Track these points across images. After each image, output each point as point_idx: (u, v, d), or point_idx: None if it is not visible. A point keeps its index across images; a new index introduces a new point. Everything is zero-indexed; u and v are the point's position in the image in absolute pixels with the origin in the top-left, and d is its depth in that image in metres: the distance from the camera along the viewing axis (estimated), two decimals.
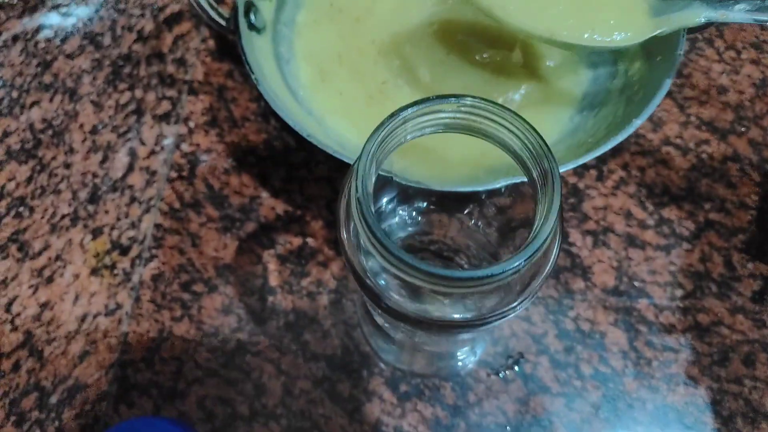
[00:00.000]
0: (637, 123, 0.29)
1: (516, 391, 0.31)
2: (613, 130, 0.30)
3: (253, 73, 0.30)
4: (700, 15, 0.28)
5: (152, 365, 0.32)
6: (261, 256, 0.34)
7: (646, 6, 0.30)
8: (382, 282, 0.22)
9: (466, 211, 0.32)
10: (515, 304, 0.20)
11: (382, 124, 0.20)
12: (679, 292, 0.33)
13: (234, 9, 0.32)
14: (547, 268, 0.21)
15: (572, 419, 0.31)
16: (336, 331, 0.33)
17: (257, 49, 0.32)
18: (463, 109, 0.21)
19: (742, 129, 0.37)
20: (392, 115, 0.20)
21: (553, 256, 0.21)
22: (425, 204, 0.31)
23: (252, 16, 0.33)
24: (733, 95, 0.38)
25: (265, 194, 0.36)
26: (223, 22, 0.32)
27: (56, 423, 0.31)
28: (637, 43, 0.30)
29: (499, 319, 0.20)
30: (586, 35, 0.29)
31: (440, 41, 0.35)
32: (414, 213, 0.32)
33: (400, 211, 0.31)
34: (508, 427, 0.31)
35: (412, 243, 0.34)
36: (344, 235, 0.22)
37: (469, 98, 0.21)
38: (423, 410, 0.31)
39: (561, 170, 0.28)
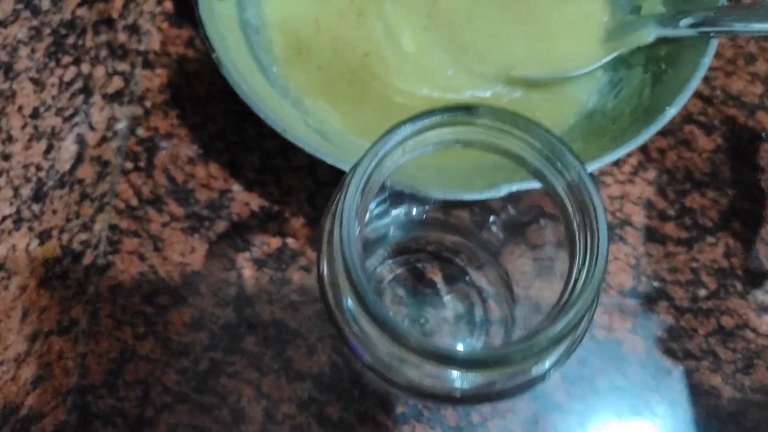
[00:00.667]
0: (671, 112, 0.24)
1: (524, 409, 0.28)
2: (639, 117, 0.26)
3: (213, 50, 0.25)
4: (652, 34, 0.28)
5: (115, 390, 0.29)
6: (235, 260, 0.30)
7: (599, 32, 0.29)
8: (368, 329, 0.18)
9: (466, 210, 0.28)
10: (542, 373, 0.17)
11: (373, 149, 0.16)
12: (702, 292, 0.30)
13: None
14: (582, 328, 0.17)
15: None
16: (323, 346, 0.29)
17: (219, 16, 0.27)
18: (479, 122, 0.16)
19: None
20: (387, 133, 0.16)
21: (588, 316, 0.17)
22: (420, 206, 0.27)
23: None
24: (763, 65, 0.34)
25: (236, 187, 0.31)
26: None
27: None
28: (594, 68, 0.29)
29: (521, 392, 0.16)
30: (539, 69, 0.29)
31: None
32: (408, 214, 0.28)
33: (393, 213, 0.27)
34: None
35: (406, 244, 0.30)
36: (324, 269, 0.18)
37: (484, 109, 0.16)
38: None
39: (590, 169, 0.24)
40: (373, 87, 0.29)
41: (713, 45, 0.26)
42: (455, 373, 0.16)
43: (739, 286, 0.30)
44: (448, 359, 0.14)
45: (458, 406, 0.22)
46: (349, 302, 0.18)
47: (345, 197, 0.15)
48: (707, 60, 0.25)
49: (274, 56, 0.30)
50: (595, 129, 0.28)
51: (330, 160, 0.24)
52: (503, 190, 0.23)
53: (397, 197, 0.25)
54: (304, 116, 0.28)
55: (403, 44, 0.30)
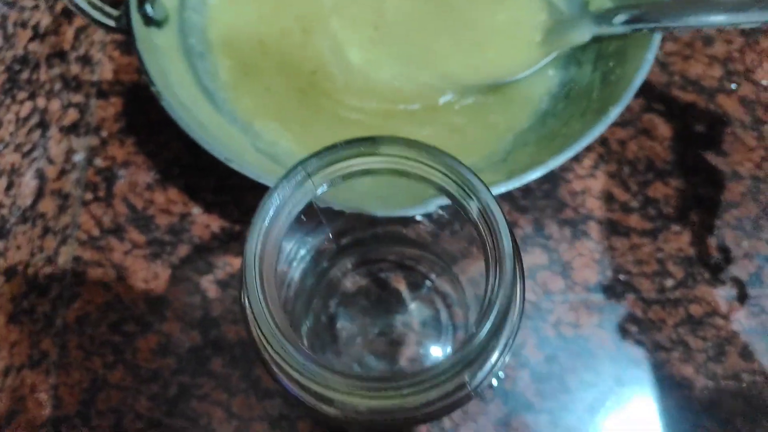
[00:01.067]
0: (615, 112, 0.24)
1: (496, 411, 0.28)
2: (590, 119, 0.26)
3: (153, 83, 0.25)
4: (587, 33, 0.27)
5: (88, 420, 0.29)
6: (198, 283, 0.30)
7: (535, 35, 0.29)
8: None
9: (418, 224, 0.28)
10: (469, 389, 0.16)
11: (272, 194, 0.16)
12: (669, 282, 0.30)
13: (125, 3, 0.27)
14: (507, 331, 0.17)
15: None
16: None
17: (159, 48, 0.27)
18: (383, 152, 0.16)
19: (732, 86, 0.33)
20: (289, 173, 0.16)
21: (516, 315, 0.17)
22: (367, 230, 0.27)
23: (148, 8, 0.27)
24: (721, 46, 0.33)
25: (196, 210, 0.31)
26: (111, 23, 0.26)
27: None
28: (531, 72, 0.29)
29: (451, 410, 0.16)
30: (476, 76, 0.29)
31: (368, 10, 0.30)
32: (356, 238, 0.28)
33: (343, 240, 0.27)
34: None
35: (369, 256, 0.30)
36: (246, 302, 0.18)
37: (388, 143, 0.16)
38: None
39: (534, 176, 0.24)
40: (323, 104, 0.29)
41: (656, 40, 0.25)
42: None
43: (706, 274, 0.30)
44: (357, 380, 0.14)
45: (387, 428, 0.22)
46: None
47: (245, 259, 0.15)
48: (651, 56, 0.25)
49: (222, 81, 0.30)
50: (548, 133, 0.27)
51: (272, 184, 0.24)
52: (431, 206, 0.23)
53: (338, 228, 0.25)
54: (254, 140, 0.28)
55: (350, 59, 0.30)
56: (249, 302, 0.14)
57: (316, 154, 0.16)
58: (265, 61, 0.30)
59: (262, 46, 0.30)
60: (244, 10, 0.30)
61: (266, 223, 0.15)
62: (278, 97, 0.29)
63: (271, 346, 0.14)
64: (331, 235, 0.24)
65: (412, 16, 0.29)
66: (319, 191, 0.17)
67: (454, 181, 0.16)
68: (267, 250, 0.15)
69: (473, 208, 0.16)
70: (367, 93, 0.29)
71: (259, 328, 0.14)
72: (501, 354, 0.16)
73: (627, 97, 0.24)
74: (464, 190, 0.16)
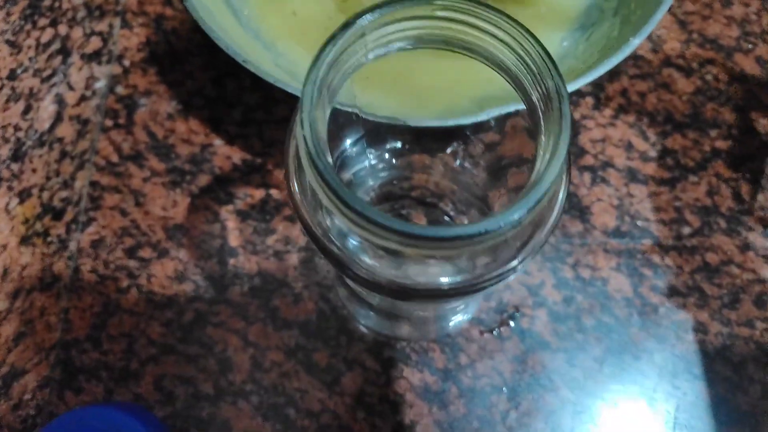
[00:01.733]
0: (635, 43, 0.24)
1: (512, 349, 0.28)
2: (607, 53, 0.26)
3: None
4: None
5: (99, 344, 0.28)
6: (218, 213, 0.30)
7: None
8: (351, 244, 0.18)
9: (448, 150, 0.28)
10: (515, 263, 0.16)
11: (332, 37, 0.15)
12: (686, 230, 0.30)
13: None
14: (553, 217, 0.17)
15: (574, 376, 0.28)
16: (309, 294, 0.29)
17: None
18: (439, 13, 0.16)
19: (749, 46, 0.33)
20: (346, 25, 0.16)
21: (559, 203, 0.17)
22: (400, 144, 0.27)
23: None
24: (738, 8, 0.34)
25: (218, 141, 0.31)
26: None
27: None
28: None
29: (496, 282, 0.16)
30: None
31: None
32: (387, 155, 0.28)
33: (370, 154, 0.27)
34: (504, 389, 0.28)
35: (390, 189, 0.30)
36: (295, 188, 0.18)
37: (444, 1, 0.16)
38: (410, 377, 0.28)
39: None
40: None
41: None
42: (432, 267, 0.16)
43: (723, 224, 0.30)
44: (413, 236, 0.14)
45: (434, 300, 0.22)
46: (326, 219, 0.17)
47: (306, 82, 0.15)
48: None
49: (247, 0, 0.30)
50: (566, 70, 0.28)
51: (290, 90, 0.24)
52: (482, 116, 0.23)
53: (372, 135, 0.25)
54: (277, 58, 0.28)
55: None
56: (304, 131, 0.14)
57: (370, 10, 0.16)
58: None
59: None
60: None
61: (324, 66, 0.15)
62: (305, 22, 0.29)
63: (329, 186, 0.14)
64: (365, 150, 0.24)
65: None
66: (370, 56, 0.16)
67: (523, 57, 0.16)
68: (322, 96, 0.15)
69: (536, 94, 0.16)
70: None
71: (315, 165, 0.14)
72: (546, 235, 0.16)
73: (647, 30, 0.25)
74: (533, 71, 0.16)
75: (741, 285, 0.29)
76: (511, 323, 0.29)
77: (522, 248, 0.17)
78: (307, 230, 0.18)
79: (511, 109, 0.23)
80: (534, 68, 0.16)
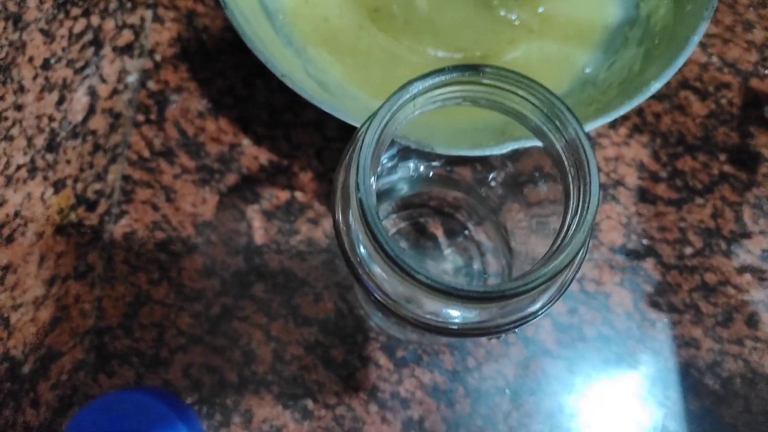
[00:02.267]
0: (656, 87, 0.25)
1: (517, 354, 0.30)
2: (627, 88, 0.27)
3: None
4: None
5: (131, 332, 0.30)
6: (244, 211, 0.31)
7: None
8: (378, 272, 0.20)
9: (468, 167, 0.29)
10: (536, 309, 0.18)
11: (387, 103, 0.17)
12: (688, 250, 0.32)
13: None
14: (572, 270, 0.19)
15: (573, 382, 0.30)
16: (329, 293, 0.31)
17: None
18: (485, 81, 0.18)
19: (766, 72, 0.34)
20: (401, 89, 0.17)
21: (580, 258, 0.19)
22: (427, 162, 0.28)
23: None
24: (760, 33, 0.35)
25: (246, 141, 0.32)
26: None
27: (31, 395, 0.29)
28: None
29: (521, 324, 0.18)
30: None
31: None
32: (415, 170, 0.29)
33: (400, 169, 0.28)
34: (507, 390, 0.30)
35: (411, 200, 0.31)
36: (340, 216, 0.19)
37: (490, 70, 0.17)
38: (420, 376, 0.30)
39: None
40: (380, 41, 0.30)
41: (704, 25, 0.26)
42: (455, 310, 0.18)
43: (723, 246, 0.32)
44: (451, 293, 0.15)
45: (457, 337, 0.24)
46: (362, 249, 0.19)
47: (362, 146, 0.16)
48: (697, 38, 0.26)
49: (281, 4, 0.30)
50: (585, 98, 0.29)
51: (325, 108, 0.25)
52: (506, 147, 0.24)
53: (405, 153, 0.26)
54: (306, 64, 0.29)
55: (417, 3, 0.30)
56: (359, 189, 0.16)
57: (424, 77, 0.17)
58: None
59: None
60: None
61: (380, 128, 0.16)
62: (336, 29, 0.30)
63: (375, 234, 0.15)
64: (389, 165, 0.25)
65: None
66: (416, 113, 0.18)
67: (545, 115, 0.17)
68: (375, 155, 0.16)
69: (559, 142, 0.17)
70: (426, 36, 0.30)
71: (365, 215, 0.15)
72: (571, 277, 0.18)
73: (668, 75, 0.26)
74: (553, 124, 0.17)
75: (735, 305, 0.31)
76: (517, 330, 0.31)
77: (541, 296, 0.19)
78: (346, 259, 0.20)
79: (531, 144, 0.24)
80: (569, 143, 0.17)
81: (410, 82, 0.17)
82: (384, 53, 0.30)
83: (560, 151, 0.18)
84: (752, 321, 0.31)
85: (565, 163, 0.18)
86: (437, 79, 0.17)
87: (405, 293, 0.18)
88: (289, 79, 0.25)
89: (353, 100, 0.29)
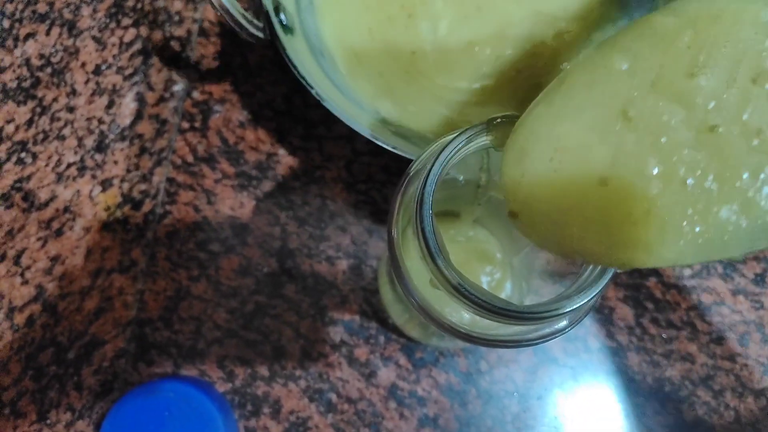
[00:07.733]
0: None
1: (526, 360, 0.33)
2: None
3: (312, 87, 0.27)
4: None
5: (170, 324, 0.32)
6: (279, 217, 0.34)
7: None
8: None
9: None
10: (563, 326, 0.20)
11: (444, 148, 0.19)
12: (687, 271, 0.34)
13: (264, 14, 0.29)
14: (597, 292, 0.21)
15: (577, 389, 0.32)
16: (354, 297, 0.33)
17: (298, 52, 0.29)
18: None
19: None
20: (460, 134, 0.20)
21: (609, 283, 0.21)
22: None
23: (282, 16, 0.29)
24: None
25: (282, 151, 0.35)
26: (260, 34, 0.29)
27: (75, 378, 0.31)
28: None
29: (551, 339, 0.20)
30: None
31: None
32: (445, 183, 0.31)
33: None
34: (515, 393, 0.32)
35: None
36: (396, 234, 0.22)
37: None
38: (437, 376, 0.32)
39: None
40: (423, 83, 0.32)
41: None
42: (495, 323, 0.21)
43: (720, 269, 0.34)
44: (502, 313, 0.18)
45: (492, 347, 0.26)
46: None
47: (425, 185, 0.18)
48: None
49: (341, 72, 0.32)
50: None
51: (367, 135, 0.27)
52: None
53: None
54: (372, 117, 0.30)
55: (439, 32, 0.33)
56: (422, 224, 0.18)
57: (471, 130, 0.19)
58: (373, 48, 0.32)
59: (371, 34, 0.32)
60: (350, 3, 0.33)
61: (447, 158, 0.19)
62: (390, 80, 0.31)
63: (437, 264, 0.18)
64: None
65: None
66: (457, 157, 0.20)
67: None
68: (436, 187, 0.19)
69: None
70: (453, 68, 0.32)
71: (427, 245, 0.18)
72: (595, 302, 0.20)
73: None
74: None
75: (729, 324, 0.34)
76: None
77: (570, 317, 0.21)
78: (396, 271, 0.22)
79: None
80: None
81: (465, 131, 0.20)
82: (429, 95, 0.31)
83: None
84: (743, 340, 0.34)
85: None
86: (469, 133, 0.20)
87: (451, 309, 0.21)
88: (380, 140, 0.27)
89: (421, 140, 0.30)
